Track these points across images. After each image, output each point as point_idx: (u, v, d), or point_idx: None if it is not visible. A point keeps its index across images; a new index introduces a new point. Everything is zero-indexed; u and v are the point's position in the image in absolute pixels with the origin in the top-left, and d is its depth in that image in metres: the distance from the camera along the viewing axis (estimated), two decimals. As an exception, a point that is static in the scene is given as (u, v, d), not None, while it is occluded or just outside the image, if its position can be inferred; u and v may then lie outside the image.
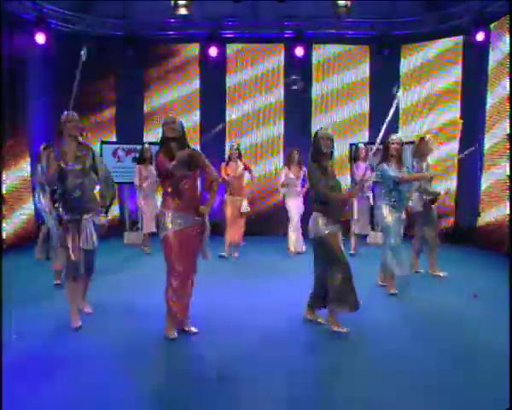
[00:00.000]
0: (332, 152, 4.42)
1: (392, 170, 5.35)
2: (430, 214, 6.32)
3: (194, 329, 4.30)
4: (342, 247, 4.36)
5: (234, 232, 7.85)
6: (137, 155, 8.78)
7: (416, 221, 6.45)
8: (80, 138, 4.48)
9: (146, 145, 8.55)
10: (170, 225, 4.11)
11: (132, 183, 8.57)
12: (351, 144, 9.58)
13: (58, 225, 4.49)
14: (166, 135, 4.21)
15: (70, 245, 4.32)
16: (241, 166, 7.87)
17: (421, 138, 6.42)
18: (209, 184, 4.29)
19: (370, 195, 8.01)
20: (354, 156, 8.14)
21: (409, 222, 6.00)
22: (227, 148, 10.16)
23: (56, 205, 4.44)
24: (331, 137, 4.39)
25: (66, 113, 4.39)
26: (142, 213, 8.40)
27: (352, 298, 4.24)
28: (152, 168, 7.84)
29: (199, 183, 4.42)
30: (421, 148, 6.29)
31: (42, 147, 6.00)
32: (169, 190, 4.15)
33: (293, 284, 5.79)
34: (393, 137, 5.53)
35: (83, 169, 4.37)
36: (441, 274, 6.39)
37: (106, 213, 4.62)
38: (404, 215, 5.59)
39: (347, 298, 4.24)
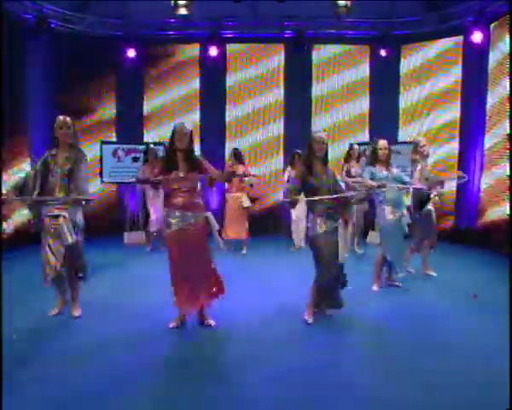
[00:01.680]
0: (326, 155, 4.55)
1: (368, 172, 5.48)
2: (425, 215, 6.20)
3: (212, 322, 4.41)
4: (340, 245, 4.41)
5: (235, 228, 8.02)
6: (137, 155, 8.78)
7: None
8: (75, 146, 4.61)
9: (151, 145, 8.55)
10: (171, 224, 4.22)
11: (131, 183, 8.55)
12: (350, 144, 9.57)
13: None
14: (176, 145, 4.21)
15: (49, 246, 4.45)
16: (242, 167, 7.99)
17: (416, 143, 6.31)
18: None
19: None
20: (347, 156, 8.20)
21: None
22: (227, 150, 10.16)
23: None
24: (326, 141, 4.53)
25: (59, 117, 4.51)
26: (151, 212, 8.36)
27: (334, 297, 4.51)
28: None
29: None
30: (414, 151, 6.20)
31: None
32: (167, 188, 4.29)
33: (295, 281, 5.79)
34: (380, 142, 5.62)
35: (65, 171, 4.48)
36: (433, 273, 6.38)
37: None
38: (405, 214, 5.63)
39: (331, 297, 4.52)
